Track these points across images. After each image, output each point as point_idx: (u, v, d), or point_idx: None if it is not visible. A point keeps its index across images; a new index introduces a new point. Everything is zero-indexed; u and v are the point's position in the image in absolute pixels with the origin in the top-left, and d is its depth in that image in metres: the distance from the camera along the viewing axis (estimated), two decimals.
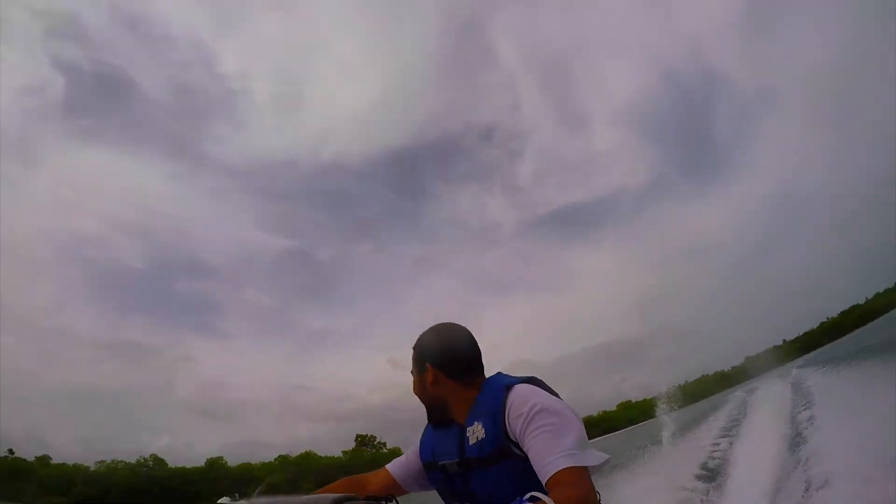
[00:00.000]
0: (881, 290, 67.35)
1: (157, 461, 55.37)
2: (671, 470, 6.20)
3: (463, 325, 1.37)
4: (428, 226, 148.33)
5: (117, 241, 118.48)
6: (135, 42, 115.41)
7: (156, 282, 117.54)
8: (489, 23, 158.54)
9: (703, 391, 46.95)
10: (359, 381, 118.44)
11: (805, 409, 6.97)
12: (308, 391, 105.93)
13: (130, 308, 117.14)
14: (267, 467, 58.83)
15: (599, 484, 1.04)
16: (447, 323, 1.37)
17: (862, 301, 69.72)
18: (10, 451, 48.58)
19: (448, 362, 1.28)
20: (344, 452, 64.14)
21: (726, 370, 71.02)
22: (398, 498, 1.42)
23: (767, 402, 10.64)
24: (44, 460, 51.14)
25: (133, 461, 54.00)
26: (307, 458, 60.84)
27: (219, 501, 1.13)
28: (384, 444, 66.09)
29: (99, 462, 53.25)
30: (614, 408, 75.49)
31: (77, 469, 51.54)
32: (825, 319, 73.40)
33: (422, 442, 1.37)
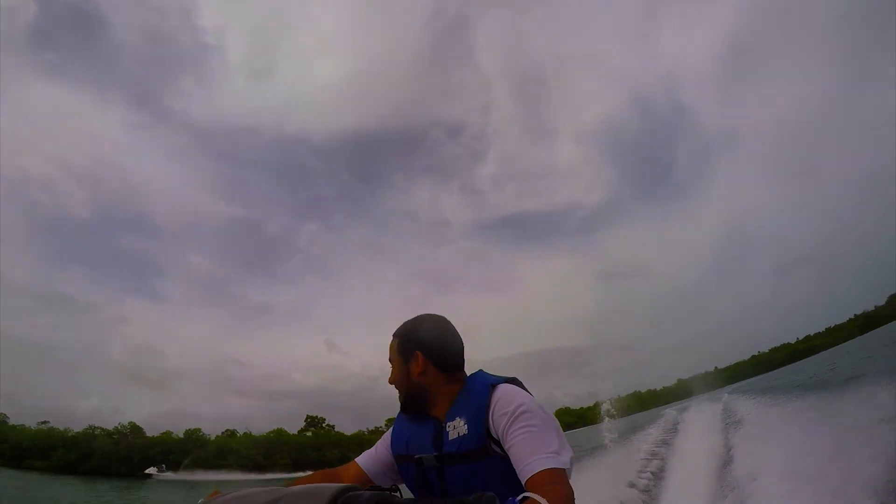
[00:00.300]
0: (812, 334, 73.05)
1: (135, 429, 57.32)
2: (615, 474, 6.49)
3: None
4: (380, 213, 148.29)
5: (65, 186, 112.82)
6: None
7: (99, 234, 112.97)
8: (474, 23, 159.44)
9: (634, 406, 49.36)
10: (294, 360, 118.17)
11: (734, 431, 7.46)
12: (242, 366, 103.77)
13: (69, 259, 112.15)
14: (238, 441, 59.90)
15: None
16: (437, 315, 1.34)
17: (793, 340, 75.31)
18: None
19: (439, 353, 1.26)
20: (301, 432, 64.92)
21: (657, 389, 75.17)
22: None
23: (698, 422, 11.32)
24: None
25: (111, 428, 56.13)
26: (279, 434, 62.18)
27: (219, 499, 1.01)
28: (332, 427, 67.16)
29: (41, 422, 54.53)
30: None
31: (52, 433, 52.85)
32: (756, 353, 78.66)
33: (394, 434, 1.33)
